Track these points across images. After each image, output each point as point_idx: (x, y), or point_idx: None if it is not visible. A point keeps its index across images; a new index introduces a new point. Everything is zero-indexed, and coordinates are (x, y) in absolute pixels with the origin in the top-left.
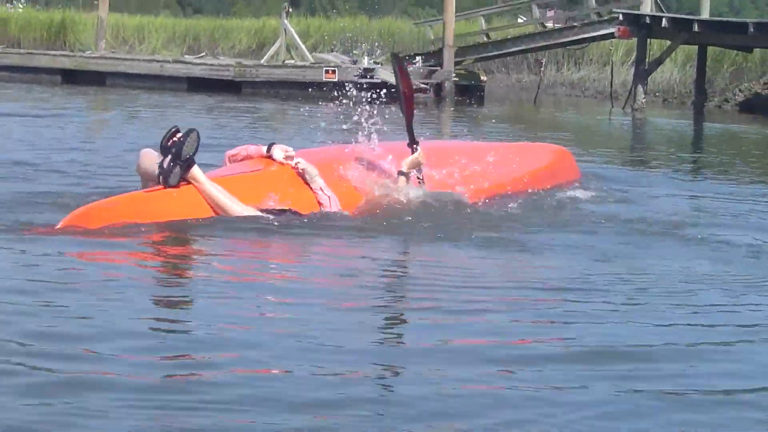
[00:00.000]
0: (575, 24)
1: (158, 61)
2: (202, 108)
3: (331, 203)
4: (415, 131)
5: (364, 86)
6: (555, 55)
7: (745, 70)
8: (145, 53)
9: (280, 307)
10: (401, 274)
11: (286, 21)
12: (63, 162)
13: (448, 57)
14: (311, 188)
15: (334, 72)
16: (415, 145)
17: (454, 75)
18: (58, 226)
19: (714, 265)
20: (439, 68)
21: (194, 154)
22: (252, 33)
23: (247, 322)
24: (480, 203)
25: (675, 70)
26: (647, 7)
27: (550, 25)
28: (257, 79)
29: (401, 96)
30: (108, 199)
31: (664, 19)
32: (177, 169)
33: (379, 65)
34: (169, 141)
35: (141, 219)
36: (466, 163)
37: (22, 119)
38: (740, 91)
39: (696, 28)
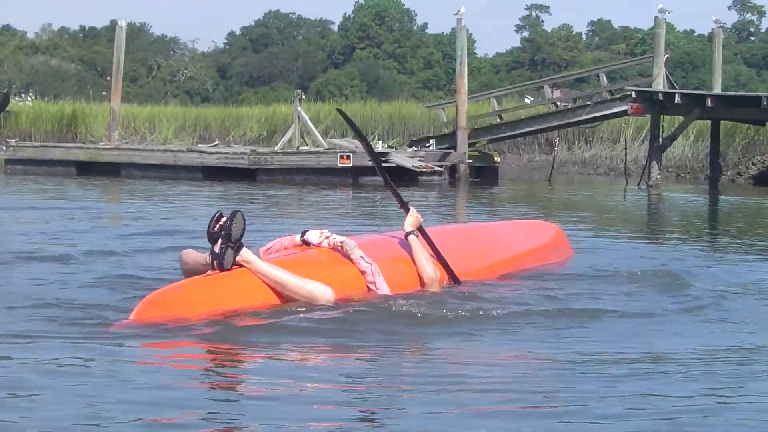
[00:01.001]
0: (588, 103)
1: (172, 151)
2: (219, 196)
3: (373, 270)
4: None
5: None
6: (565, 134)
7: (757, 143)
8: (157, 142)
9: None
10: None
11: (299, 107)
12: (97, 251)
13: (462, 139)
14: (352, 259)
15: (348, 157)
16: (406, 205)
17: (467, 157)
18: (132, 318)
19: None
20: (453, 150)
21: (242, 235)
22: (263, 120)
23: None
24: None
25: (687, 145)
26: (659, 84)
27: (564, 104)
28: (272, 166)
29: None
30: (173, 287)
31: (677, 95)
32: (229, 252)
33: (393, 149)
34: (215, 227)
35: (206, 304)
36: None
37: (46, 211)
38: (753, 164)
39: (709, 103)
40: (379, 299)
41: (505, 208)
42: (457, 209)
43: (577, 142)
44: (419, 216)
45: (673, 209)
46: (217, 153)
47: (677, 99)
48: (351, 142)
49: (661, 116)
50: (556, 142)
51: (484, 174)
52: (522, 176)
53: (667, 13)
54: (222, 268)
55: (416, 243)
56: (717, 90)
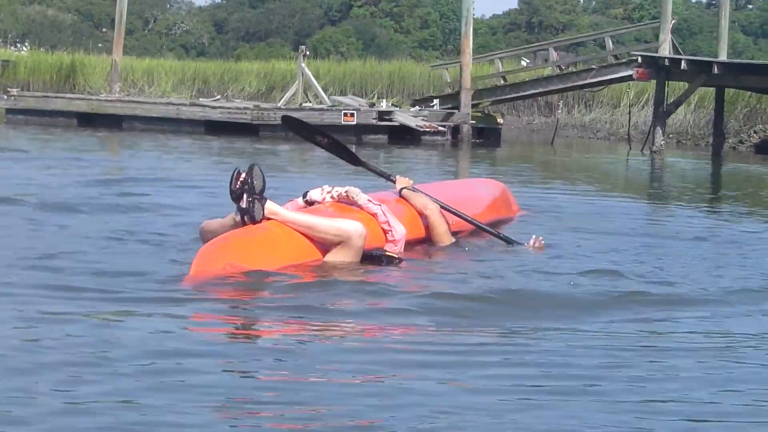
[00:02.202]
0: (593, 66)
1: (175, 105)
2: (233, 152)
3: (384, 211)
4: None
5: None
6: (565, 98)
7: (759, 112)
8: (155, 95)
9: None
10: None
11: (303, 64)
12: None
13: (466, 100)
14: (360, 205)
15: (352, 115)
16: (390, 176)
17: (470, 117)
18: (192, 273)
19: None
20: (456, 111)
21: (264, 187)
22: (261, 76)
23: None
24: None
25: (689, 111)
26: (665, 50)
27: (565, 67)
28: (275, 122)
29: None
30: (225, 238)
31: (683, 62)
32: (257, 204)
33: (397, 108)
34: (236, 184)
35: (251, 257)
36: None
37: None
38: (755, 132)
39: (715, 70)
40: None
41: (507, 169)
42: (459, 170)
43: (576, 106)
44: (408, 179)
45: (678, 174)
46: (220, 108)
47: (683, 65)
48: (354, 100)
49: (666, 82)
50: (559, 105)
51: (487, 135)
52: (521, 138)
53: None
54: (254, 221)
55: (416, 195)
56: (723, 57)
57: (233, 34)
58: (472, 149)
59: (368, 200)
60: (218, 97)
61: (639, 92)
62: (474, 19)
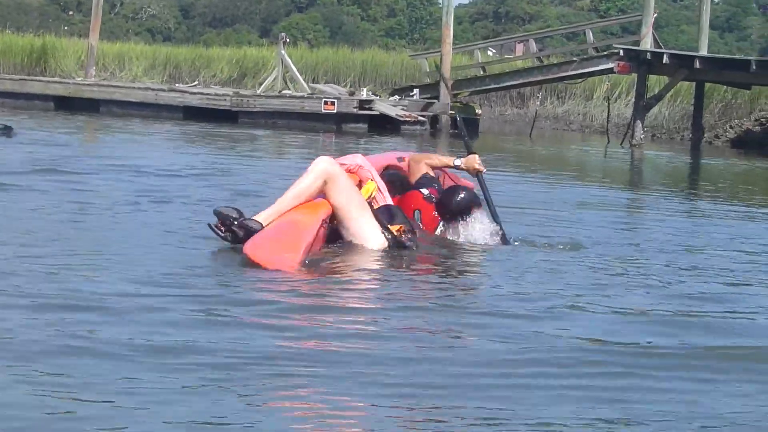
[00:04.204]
0: (574, 59)
1: (153, 90)
2: (199, 136)
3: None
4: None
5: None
6: (538, 89)
7: (734, 107)
8: (127, 80)
9: None
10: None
11: (283, 51)
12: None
13: (445, 90)
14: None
15: (333, 104)
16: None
17: (450, 108)
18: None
19: None
20: (435, 101)
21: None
22: (233, 62)
23: None
24: None
25: (663, 106)
26: (647, 43)
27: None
28: (254, 109)
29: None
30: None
31: (665, 55)
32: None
33: (377, 97)
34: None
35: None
36: None
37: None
38: (731, 127)
39: (697, 64)
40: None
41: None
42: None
43: (549, 98)
44: (480, 163)
45: (661, 168)
46: (199, 93)
47: (665, 59)
48: (334, 88)
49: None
50: (538, 97)
51: (465, 125)
52: (493, 129)
53: None
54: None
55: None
56: (703, 52)
57: (200, 19)
58: (451, 139)
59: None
60: (196, 83)
61: (613, 85)
62: (439, 8)
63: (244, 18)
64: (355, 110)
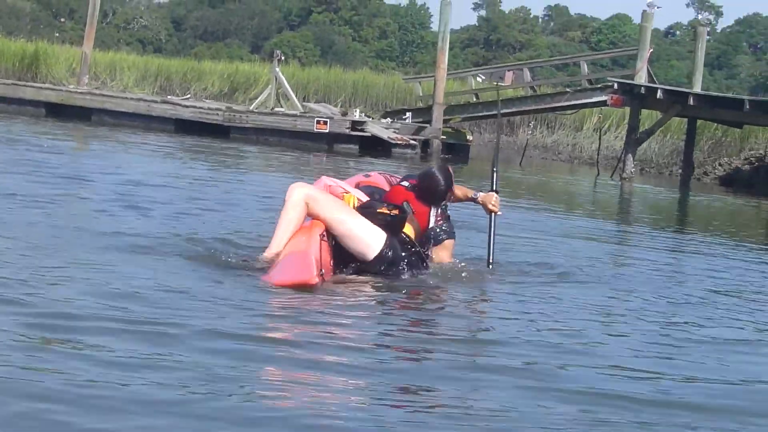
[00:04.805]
0: (567, 90)
1: (146, 101)
2: (190, 149)
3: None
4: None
5: None
6: (528, 119)
7: (724, 144)
8: (118, 89)
9: None
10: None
11: (277, 69)
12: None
13: (437, 115)
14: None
15: (325, 123)
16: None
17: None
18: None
19: None
20: (427, 125)
21: None
22: (225, 77)
23: None
24: None
25: (653, 141)
26: (642, 78)
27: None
28: (246, 125)
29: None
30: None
31: (659, 91)
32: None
33: (370, 119)
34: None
35: None
36: None
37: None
38: (720, 165)
39: (691, 101)
40: None
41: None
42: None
43: (539, 127)
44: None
45: (653, 203)
46: (192, 107)
47: (659, 94)
48: (326, 108)
49: (633, 110)
50: (530, 125)
51: (456, 151)
52: (482, 155)
53: (655, 8)
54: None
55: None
56: (697, 88)
57: (191, 32)
58: (441, 163)
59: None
60: (189, 95)
61: (603, 118)
62: (431, 32)
63: (235, 33)
64: (347, 131)
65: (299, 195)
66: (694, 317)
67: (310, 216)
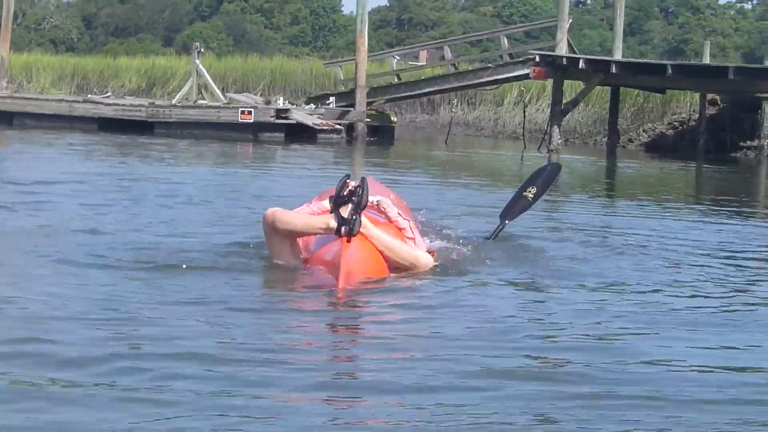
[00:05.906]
0: (489, 65)
1: (68, 101)
2: (114, 146)
3: (411, 227)
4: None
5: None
6: (448, 96)
7: (646, 111)
8: (35, 91)
9: None
10: None
11: (197, 61)
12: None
13: (361, 98)
14: (389, 217)
15: (250, 113)
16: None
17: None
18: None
19: None
20: (351, 109)
21: (367, 202)
22: (142, 72)
23: None
24: None
25: (576, 111)
26: (563, 49)
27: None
28: (170, 120)
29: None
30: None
31: (581, 61)
32: (358, 219)
33: (294, 106)
34: (345, 191)
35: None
36: None
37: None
38: (644, 131)
39: (613, 69)
40: None
41: (403, 167)
42: (355, 168)
43: (459, 104)
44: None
45: (588, 173)
46: (114, 105)
47: (581, 64)
48: (250, 97)
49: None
50: (454, 102)
51: (381, 133)
52: (405, 136)
53: None
54: (350, 234)
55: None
56: (618, 56)
57: (102, 29)
58: (367, 147)
59: (398, 214)
60: (109, 93)
61: (524, 91)
62: (343, 15)
63: (147, 27)
64: (272, 119)
65: (266, 222)
66: (628, 271)
67: (286, 235)
